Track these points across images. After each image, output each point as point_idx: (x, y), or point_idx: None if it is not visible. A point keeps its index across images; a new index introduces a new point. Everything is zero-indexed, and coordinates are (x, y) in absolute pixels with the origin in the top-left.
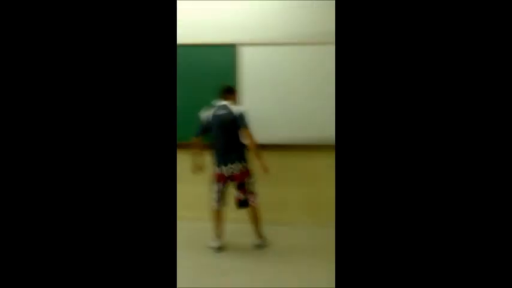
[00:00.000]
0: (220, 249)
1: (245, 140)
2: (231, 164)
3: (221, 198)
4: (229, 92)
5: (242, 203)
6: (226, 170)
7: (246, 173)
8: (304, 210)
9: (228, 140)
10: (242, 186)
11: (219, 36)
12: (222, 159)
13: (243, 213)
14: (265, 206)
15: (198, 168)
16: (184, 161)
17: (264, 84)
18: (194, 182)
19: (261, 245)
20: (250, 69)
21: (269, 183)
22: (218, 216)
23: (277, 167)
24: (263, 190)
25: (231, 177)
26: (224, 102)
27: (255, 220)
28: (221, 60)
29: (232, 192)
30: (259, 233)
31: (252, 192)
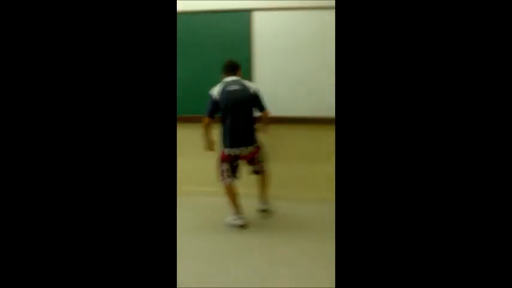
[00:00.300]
0: (244, 226)
1: (262, 121)
2: (245, 147)
3: (233, 172)
4: (236, 69)
5: (256, 172)
6: (235, 151)
7: (256, 151)
8: (316, 185)
9: (243, 119)
10: (253, 161)
11: (232, 1)
12: (235, 141)
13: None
14: (279, 181)
15: (211, 145)
16: (191, 135)
17: (276, 53)
18: (197, 155)
19: (267, 210)
20: (264, 37)
21: (280, 158)
22: (233, 191)
23: (289, 140)
24: (277, 166)
25: (241, 157)
26: (236, 78)
27: (264, 185)
28: (235, 28)
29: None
30: (266, 198)
31: (262, 161)
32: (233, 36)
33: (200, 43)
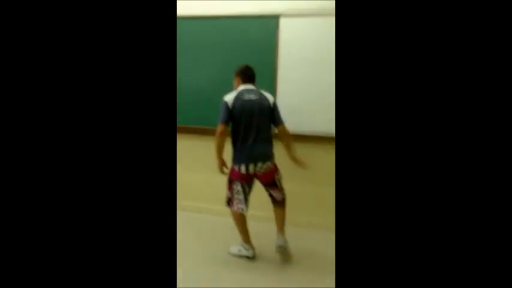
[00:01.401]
0: (253, 258)
1: (282, 137)
2: (262, 163)
3: (245, 198)
4: (253, 76)
5: (275, 201)
6: (253, 169)
7: (275, 170)
8: None
9: (260, 132)
10: (274, 184)
11: (258, 6)
12: (251, 157)
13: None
14: (300, 206)
15: (224, 164)
16: (199, 148)
17: (303, 63)
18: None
19: (286, 246)
20: (291, 45)
21: (301, 179)
22: (243, 219)
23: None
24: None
25: (257, 176)
26: (252, 87)
27: (283, 217)
28: (260, 34)
29: (260, 189)
30: (283, 232)
31: (282, 188)
32: (258, 43)
33: (223, 50)
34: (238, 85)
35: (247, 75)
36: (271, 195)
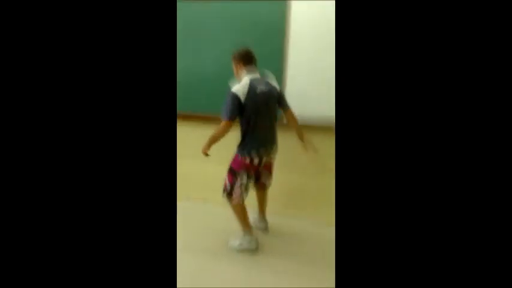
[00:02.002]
0: (256, 250)
1: (291, 121)
2: (273, 153)
3: (246, 189)
4: (255, 59)
5: (261, 185)
6: (265, 158)
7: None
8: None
9: (269, 121)
10: (270, 170)
11: None
12: (264, 145)
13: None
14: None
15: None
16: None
17: (313, 47)
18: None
19: (267, 228)
20: (301, 29)
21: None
22: (245, 209)
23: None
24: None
25: (262, 165)
26: (257, 74)
27: (266, 200)
28: (268, 17)
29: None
30: (264, 214)
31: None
32: (266, 26)
33: (232, 34)
34: (240, 70)
35: (250, 59)
36: (258, 181)
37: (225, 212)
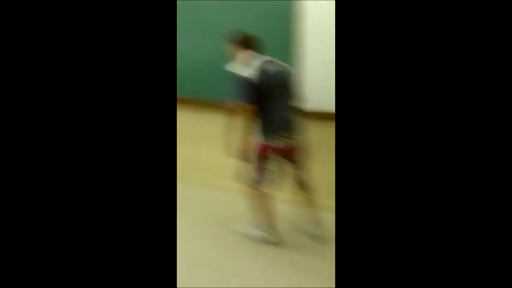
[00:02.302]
0: (276, 243)
1: (301, 105)
2: (296, 135)
3: (276, 178)
4: (254, 44)
5: (300, 183)
6: (283, 139)
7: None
8: None
9: (288, 104)
10: (299, 156)
11: None
12: (283, 128)
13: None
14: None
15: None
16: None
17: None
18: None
19: (317, 235)
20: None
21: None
22: (271, 202)
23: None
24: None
25: (286, 150)
26: (266, 56)
27: (313, 203)
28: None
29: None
30: (317, 219)
31: (305, 169)
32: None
33: (238, 18)
34: (240, 54)
35: (252, 43)
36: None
37: (225, 196)
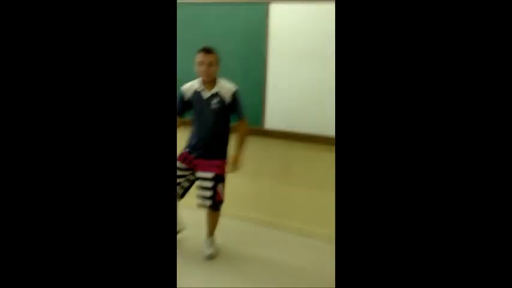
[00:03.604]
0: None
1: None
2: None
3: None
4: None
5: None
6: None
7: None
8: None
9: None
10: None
11: None
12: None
13: None
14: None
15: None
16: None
17: (295, 53)
18: None
19: (213, 254)
20: (280, 33)
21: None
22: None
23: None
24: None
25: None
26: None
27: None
28: (248, 22)
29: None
30: (213, 239)
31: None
32: (247, 32)
33: (211, 36)
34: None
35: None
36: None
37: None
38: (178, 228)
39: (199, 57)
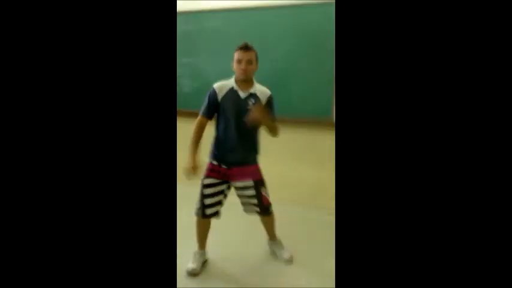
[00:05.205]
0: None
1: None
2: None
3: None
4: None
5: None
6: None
7: None
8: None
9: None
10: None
11: None
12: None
13: None
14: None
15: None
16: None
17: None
18: None
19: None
20: None
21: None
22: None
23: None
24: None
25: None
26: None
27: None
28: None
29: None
30: (279, 240)
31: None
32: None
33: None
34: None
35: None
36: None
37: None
38: (203, 258)
39: (238, 54)
